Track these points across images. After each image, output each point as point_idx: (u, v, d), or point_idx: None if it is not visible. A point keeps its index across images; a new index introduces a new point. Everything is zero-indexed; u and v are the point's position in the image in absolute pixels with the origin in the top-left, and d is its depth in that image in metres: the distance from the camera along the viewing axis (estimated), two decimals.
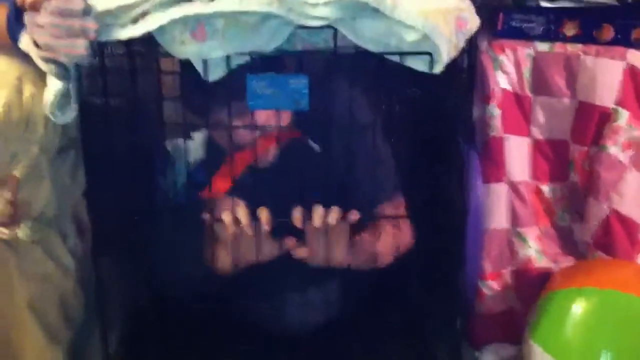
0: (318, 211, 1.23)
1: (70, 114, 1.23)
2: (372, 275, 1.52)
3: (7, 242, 1.37)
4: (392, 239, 1.33)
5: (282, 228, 1.26)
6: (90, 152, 1.20)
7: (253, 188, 1.27)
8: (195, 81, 1.17)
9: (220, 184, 1.29)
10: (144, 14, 1.11)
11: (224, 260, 1.31)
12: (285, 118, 1.34)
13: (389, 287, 1.52)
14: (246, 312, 1.43)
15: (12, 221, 1.31)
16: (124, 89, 1.32)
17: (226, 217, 1.23)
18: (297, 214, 1.25)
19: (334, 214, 1.23)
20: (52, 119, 1.23)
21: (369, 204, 1.35)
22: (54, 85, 1.18)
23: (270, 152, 1.34)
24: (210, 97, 1.21)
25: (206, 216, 1.26)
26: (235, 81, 1.17)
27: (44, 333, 1.47)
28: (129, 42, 1.14)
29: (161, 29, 1.12)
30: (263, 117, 1.28)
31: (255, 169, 1.32)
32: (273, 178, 1.33)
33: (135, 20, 1.13)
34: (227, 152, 1.32)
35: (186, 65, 1.17)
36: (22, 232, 1.33)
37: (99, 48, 1.18)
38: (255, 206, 1.25)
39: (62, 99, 1.21)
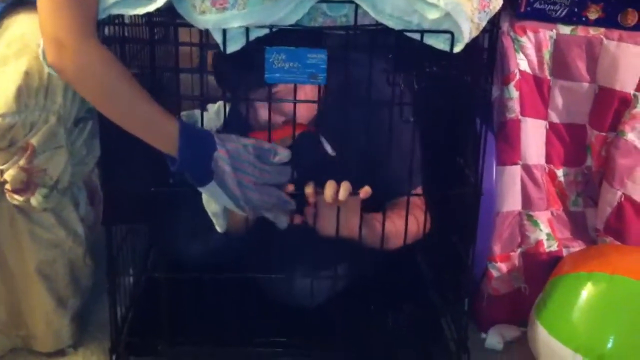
0: (330, 186, 1.24)
1: None
2: (382, 252, 1.53)
3: (20, 208, 1.38)
4: (403, 224, 1.32)
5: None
6: (106, 122, 1.20)
7: None
8: (227, 57, 1.17)
9: None
10: None
11: (236, 220, 1.32)
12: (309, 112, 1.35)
13: (398, 264, 1.53)
14: (257, 282, 1.43)
15: (26, 188, 1.31)
16: (142, 59, 1.32)
17: None
18: (308, 189, 1.26)
19: (344, 190, 1.23)
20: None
21: (389, 189, 1.35)
22: None
23: (285, 142, 1.34)
24: (242, 74, 1.22)
25: None
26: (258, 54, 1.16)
27: (52, 298, 1.49)
28: (149, 13, 1.13)
29: None
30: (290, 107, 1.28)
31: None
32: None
33: None
34: (249, 127, 1.32)
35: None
36: (35, 199, 1.33)
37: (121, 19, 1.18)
38: None
39: None
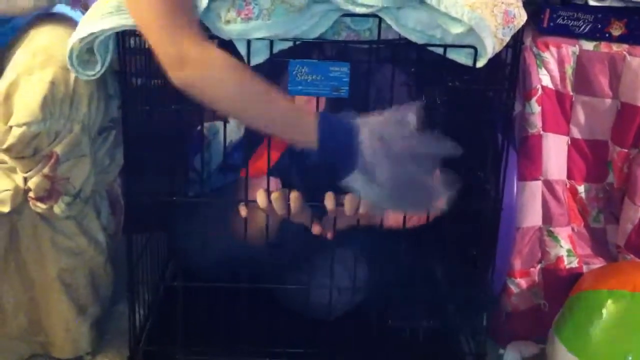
0: (349, 200, 1.23)
1: (89, 73, 1.24)
2: (400, 264, 1.53)
3: (42, 215, 1.39)
4: None
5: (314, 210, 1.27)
6: (130, 132, 1.21)
7: (290, 170, 1.27)
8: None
9: (259, 164, 1.29)
10: None
11: (257, 222, 1.30)
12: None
13: (416, 278, 1.52)
14: (274, 293, 1.43)
15: (49, 196, 1.32)
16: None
17: (260, 196, 1.23)
18: (329, 200, 1.24)
19: (364, 206, 1.22)
20: (69, 67, 1.23)
21: None
22: (79, 33, 1.19)
23: None
24: None
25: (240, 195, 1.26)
26: (278, 66, 1.17)
27: (73, 306, 1.50)
28: None
29: (207, 6, 1.12)
30: (301, 101, 1.28)
31: (293, 152, 1.32)
32: (310, 161, 1.34)
33: None
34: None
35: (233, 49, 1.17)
36: (58, 207, 1.34)
37: None
38: (291, 187, 1.26)
39: (86, 54, 1.21)
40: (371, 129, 1.10)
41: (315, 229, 1.29)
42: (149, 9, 1.09)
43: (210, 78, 1.09)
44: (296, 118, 1.11)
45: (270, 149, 1.24)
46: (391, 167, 1.09)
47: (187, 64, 1.07)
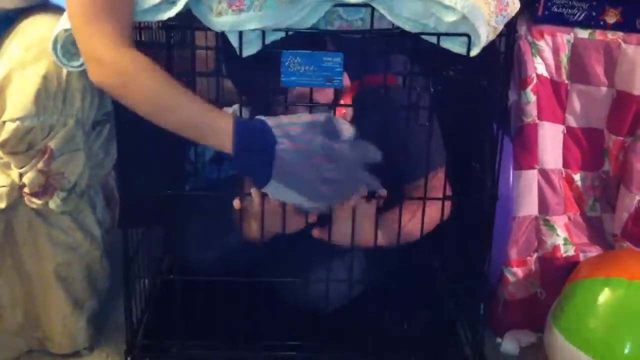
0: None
1: (74, 64, 1.23)
2: (396, 256, 1.52)
3: (38, 211, 1.39)
4: (420, 214, 1.31)
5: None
6: (123, 125, 1.20)
7: None
8: (237, 57, 1.16)
9: None
10: None
11: (252, 229, 1.31)
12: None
13: (413, 269, 1.52)
14: (271, 286, 1.43)
15: (44, 191, 1.32)
16: (158, 63, 1.32)
17: (255, 193, 1.23)
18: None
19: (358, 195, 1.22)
20: (54, 58, 1.23)
21: (402, 179, 1.36)
22: (62, 24, 1.18)
23: None
24: (252, 71, 1.21)
25: (236, 191, 1.26)
26: (275, 58, 1.16)
27: (69, 300, 1.50)
28: None
29: None
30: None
31: None
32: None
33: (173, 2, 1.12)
34: None
35: (226, 41, 1.16)
36: (53, 202, 1.34)
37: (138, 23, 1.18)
38: None
39: (73, 47, 1.21)
40: (284, 131, 1.12)
41: (313, 218, 1.29)
42: (76, 6, 1.13)
43: (123, 82, 1.12)
44: (211, 123, 1.13)
45: None
46: (305, 169, 1.12)
47: (101, 66, 1.12)
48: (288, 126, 1.13)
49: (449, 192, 1.37)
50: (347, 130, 1.14)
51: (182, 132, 1.14)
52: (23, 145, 1.28)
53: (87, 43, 1.13)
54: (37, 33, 1.34)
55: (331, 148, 1.12)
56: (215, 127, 1.12)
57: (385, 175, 1.20)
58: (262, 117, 1.14)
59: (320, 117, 1.14)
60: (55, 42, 1.20)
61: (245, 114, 1.29)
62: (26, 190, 1.33)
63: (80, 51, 1.15)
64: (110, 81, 1.13)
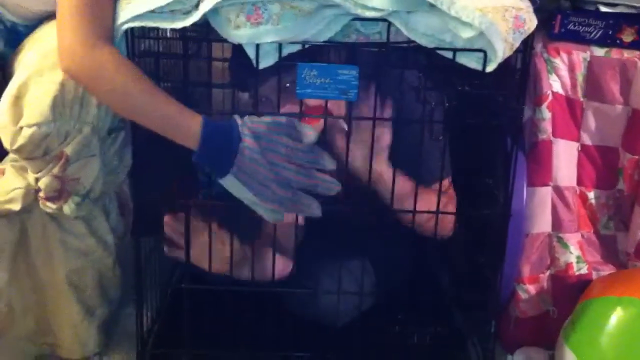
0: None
1: None
2: (407, 270, 1.52)
3: (52, 215, 1.39)
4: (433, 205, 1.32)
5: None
6: (139, 133, 1.21)
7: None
8: (244, 63, 1.18)
9: None
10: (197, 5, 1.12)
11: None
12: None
13: (423, 284, 1.52)
14: (280, 296, 1.43)
15: (59, 196, 1.33)
16: (175, 73, 1.33)
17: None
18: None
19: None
20: None
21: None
22: None
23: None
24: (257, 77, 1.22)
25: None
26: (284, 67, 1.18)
27: (80, 307, 1.50)
28: (184, 27, 1.14)
29: (216, 11, 1.12)
30: (312, 102, 1.28)
31: None
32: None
33: (188, 12, 1.14)
34: None
35: (236, 50, 1.17)
36: (67, 207, 1.35)
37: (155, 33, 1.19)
38: None
39: None
40: (250, 128, 1.17)
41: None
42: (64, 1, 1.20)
43: (93, 76, 1.18)
44: (178, 123, 1.17)
45: None
46: (264, 167, 1.17)
47: (74, 58, 1.18)
48: (253, 124, 1.18)
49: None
50: (309, 135, 1.20)
51: (149, 126, 1.19)
52: (39, 151, 1.29)
53: (65, 35, 1.19)
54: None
55: (292, 149, 1.18)
56: (182, 127, 1.17)
57: None
58: (236, 116, 1.19)
59: (284, 118, 1.19)
60: None
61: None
62: (41, 194, 1.34)
63: (58, 45, 1.20)
64: (80, 74, 1.19)
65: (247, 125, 1.18)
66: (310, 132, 1.20)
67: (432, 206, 1.32)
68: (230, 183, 1.19)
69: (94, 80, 1.18)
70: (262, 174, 1.18)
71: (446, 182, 1.41)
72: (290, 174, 1.19)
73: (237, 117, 1.19)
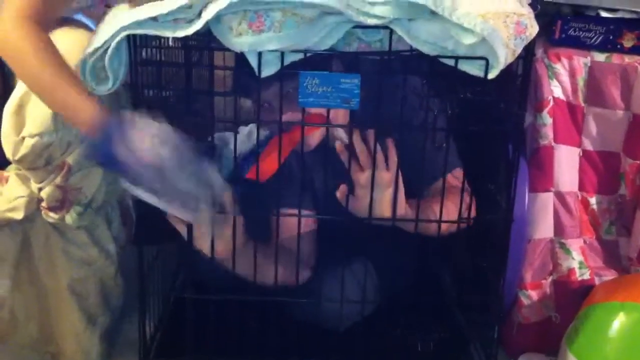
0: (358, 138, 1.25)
1: (102, 88, 1.24)
2: (409, 275, 1.52)
3: (55, 225, 1.39)
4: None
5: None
6: None
7: (298, 171, 1.27)
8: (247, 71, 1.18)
9: (267, 166, 1.29)
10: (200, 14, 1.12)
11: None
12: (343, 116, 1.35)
13: (426, 289, 1.52)
14: (283, 305, 1.43)
15: (61, 206, 1.33)
16: (177, 82, 1.33)
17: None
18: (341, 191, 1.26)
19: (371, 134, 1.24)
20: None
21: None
22: (90, 47, 1.20)
23: (314, 138, 1.35)
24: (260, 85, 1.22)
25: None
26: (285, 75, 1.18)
27: (83, 316, 1.50)
28: (186, 36, 1.14)
29: (218, 19, 1.12)
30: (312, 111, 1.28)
31: (299, 154, 1.32)
32: (317, 162, 1.35)
33: (191, 21, 1.13)
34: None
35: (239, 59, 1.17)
36: (69, 217, 1.35)
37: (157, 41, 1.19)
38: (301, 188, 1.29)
39: (100, 70, 1.22)
40: (146, 132, 1.14)
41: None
42: None
43: (12, 54, 1.21)
44: (76, 109, 1.18)
45: (279, 151, 1.25)
46: (158, 172, 1.14)
47: (1, 33, 1.20)
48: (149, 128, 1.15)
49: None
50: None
51: (51, 107, 1.22)
52: (41, 161, 1.29)
53: (2, 8, 1.21)
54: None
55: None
56: (80, 113, 1.17)
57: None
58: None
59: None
60: (83, 65, 1.21)
61: (262, 133, 1.30)
62: (43, 204, 1.34)
63: None
64: (3, 48, 1.21)
65: (138, 129, 1.14)
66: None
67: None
68: (131, 188, 1.16)
69: (13, 58, 1.21)
70: (154, 175, 1.14)
71: (458, 174, 1.40)
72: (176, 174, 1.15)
73: (128, 113, 1.18)
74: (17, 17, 1.20)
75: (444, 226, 1.31)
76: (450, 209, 1.32)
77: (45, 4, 1.23)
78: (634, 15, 1.53)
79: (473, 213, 1.36)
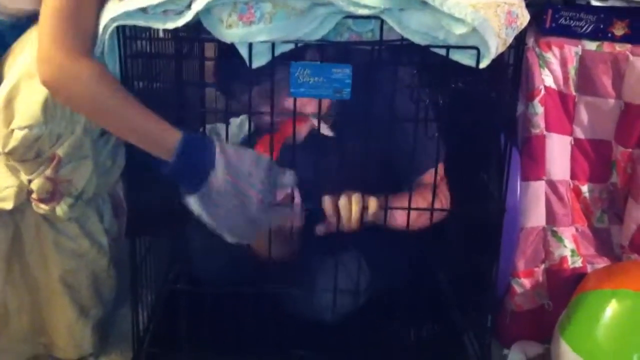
0: (346, 208, 1.27)
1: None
2: (402, 266, 1.52)
3: (46, 217, 1.39)
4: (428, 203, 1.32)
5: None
6: None
7: (290, 164, 1.27)
8: (230, 65, 1.18)
9: None
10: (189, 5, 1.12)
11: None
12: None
13: (419, 280, 1.52)
14: (277, 296, 1.43)
15: (51, 197, 1.33)
16: (167, 73, 1.33)
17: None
18: (328, 205, 1.27)
19: (356, 205, 1.25)
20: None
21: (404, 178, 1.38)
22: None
23: (302, 131, 1.34)
24: (241, 80, 1.22)
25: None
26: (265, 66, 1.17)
27: (75, 307, 1.50)
28: (176, 28, 1.14)
29: (209, 10, 1.12)
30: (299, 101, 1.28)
31: (290, 147, 1.32)
32: (307, 156, 1.35)
33: (181, 12, 1.13)
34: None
35: (223, 51, 1.17)
36: (60, 208, 1.34)
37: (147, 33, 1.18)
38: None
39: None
40: (227, 159, 1.16)
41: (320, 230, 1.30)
42: (47, 10, 1.17)
43: (71, 87, 1.16)
44: (156, 138, 1.17)
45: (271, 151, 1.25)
46: (228, 199, 1.16)
47: (54, 68, 1.15)
48: (231, 151, 1.17)
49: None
50: (289, 179, 1.21)
51: (128, 140, 1.20)
52: (31, 153, 1.28)
53: (47, 45, 1.16)
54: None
55: (264, 190, 1.18)
56: (160, 142, 1.16)
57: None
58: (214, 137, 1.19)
59: (265, 159, 1.20)
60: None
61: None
62: (34, 196, 1.33)
63: (38, 45, 1.18)
64: (58, 84, 1.16)
65: (222, 151, 1.17)
66: (290, 177, 1.22)
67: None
68: (193, 202, 1.17)
69: (70, 92, 1.17)
70: (223, 201, 1.17)
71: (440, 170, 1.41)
72: (252, 203, 1.18)
73: (216, 139, 1.19)
74: (67, 51, 1.14)
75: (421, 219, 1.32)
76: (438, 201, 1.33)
77: (87, 27, 1.17)
78: (624, 4, 1.53)
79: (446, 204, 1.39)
